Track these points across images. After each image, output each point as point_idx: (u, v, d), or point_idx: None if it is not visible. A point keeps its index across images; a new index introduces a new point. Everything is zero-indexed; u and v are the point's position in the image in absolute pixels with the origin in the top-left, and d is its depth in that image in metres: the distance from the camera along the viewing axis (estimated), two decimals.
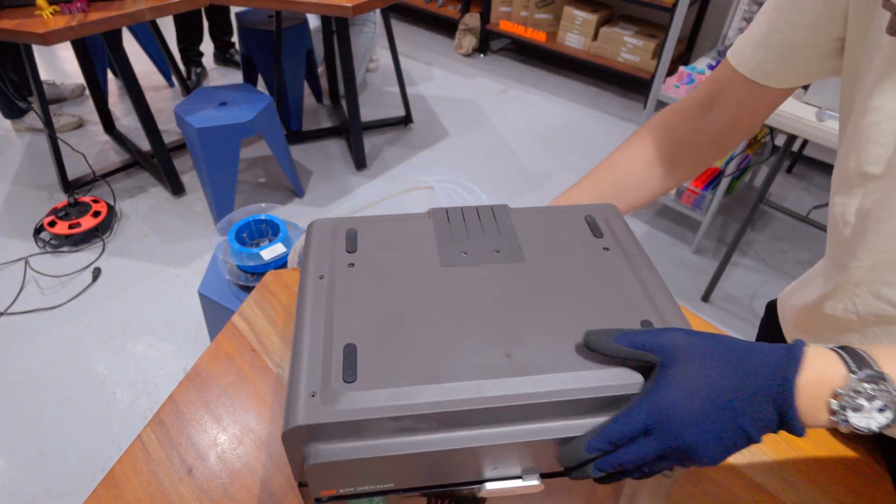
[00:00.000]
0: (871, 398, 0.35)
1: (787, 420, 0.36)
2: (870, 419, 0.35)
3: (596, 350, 0.40)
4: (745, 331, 1.86)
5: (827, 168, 2.64)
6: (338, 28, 2.16)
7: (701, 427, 0.36)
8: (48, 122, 2.14)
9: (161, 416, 0.66)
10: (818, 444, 0.65)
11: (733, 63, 0.59)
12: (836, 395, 0.35)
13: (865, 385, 0.35)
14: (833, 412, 0.36)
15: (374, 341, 0.42)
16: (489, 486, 0.42)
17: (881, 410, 0.35)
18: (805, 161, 2.72)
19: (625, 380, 0.40)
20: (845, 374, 0.36)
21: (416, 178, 2.51)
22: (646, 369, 0.40)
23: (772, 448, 0.64)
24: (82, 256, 2.06)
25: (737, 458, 0.64)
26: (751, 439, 0.37)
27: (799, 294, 0.67)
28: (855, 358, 0.36)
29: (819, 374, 0.36)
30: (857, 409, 0.35)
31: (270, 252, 1.28)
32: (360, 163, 2.55)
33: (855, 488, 0.61)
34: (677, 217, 2.38)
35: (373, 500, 0.42)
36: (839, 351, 0.37)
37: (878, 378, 0.35)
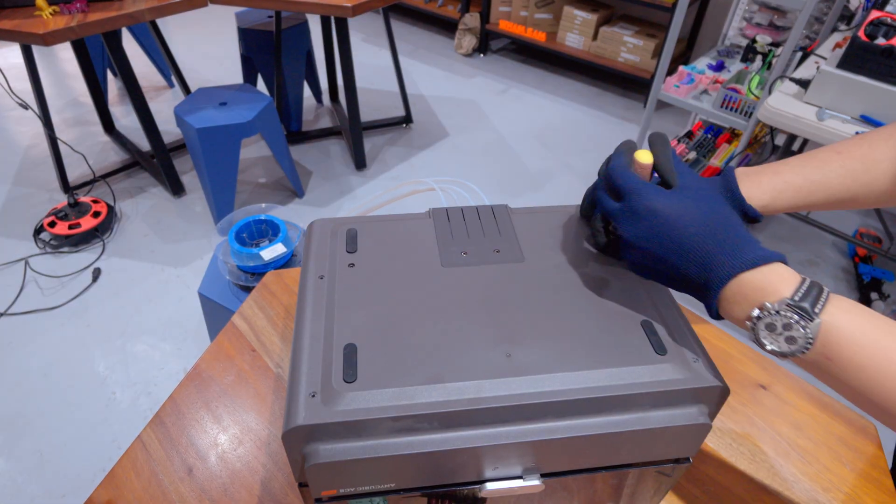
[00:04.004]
0: (787, 326, 0.37)
1: (706, 293, 0.40)
2: (774, 342, 0.37)
3: (653, 142, 0.47)
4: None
5: None
6: (338, 28, 2.16)
7: (646, 232, 0.42)
8: (48, 123, 2.14)
9: (161, 416, 0.66)
10: (818, 444, 0.65)
11: None
12: (762, 307, 0.38)
13: (790, 314, 0.36)
14: (749, 318, 0.38)
15: (374, 341, 0.42)
16: (489, 486, 0.42)
17: (789, 342, 0.37)
18: None
19: (625, 380, 0.40)
20: (783, 296, 0.37)
21: (416, 178, 2.51)
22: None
23: (772, 448, 0.65)
24: (82, 257, 2.06)
25: (737, 458, 0.64)
26: (670, 276, 0.42)
27: None
28: (809, 292, 0.37)
29: (762, 284, 0.38)
30: (771, 328, 0.37)
31: (270, 252, 1.28)
32: (360, 163, 2.55)
33: (855, 488, 0.61)
34: None
35: (373, 500, 0.42)
36: (804, 279, 0.38)
37: (806, 316, 0.36)
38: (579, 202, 0.55)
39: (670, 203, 0.42)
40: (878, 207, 0.63)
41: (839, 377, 0.37)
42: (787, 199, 0.52)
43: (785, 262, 0.39)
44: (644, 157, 0.46)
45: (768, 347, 0.38)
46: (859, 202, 0.54)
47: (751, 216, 0.50)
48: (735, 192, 0.50)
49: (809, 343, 0.36)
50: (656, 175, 0.47)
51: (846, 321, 0.36)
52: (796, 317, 0.36)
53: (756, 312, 0.38)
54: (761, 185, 0.51)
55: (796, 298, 0.37)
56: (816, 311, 0.36)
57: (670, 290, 0.48)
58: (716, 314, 0.41)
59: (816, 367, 0.38)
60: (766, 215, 0.53)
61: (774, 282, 0.38)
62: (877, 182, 0.53)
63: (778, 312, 0.37)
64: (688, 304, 2.04)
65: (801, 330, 0.36)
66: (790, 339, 0.37)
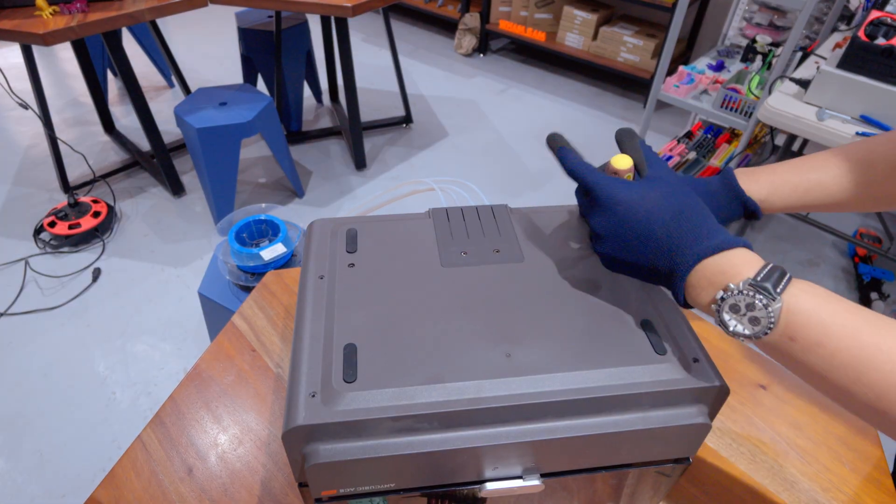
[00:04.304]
0: (749, 306, 0.37)
1: (672, 280, 0.41)
2: (737, 323, 0.38)
3: (620, 139, 0.48)
4: None
5: None
6: (338, 28, 2.16)
7: (613, 223, 0.43)
8: (48, 122, 2.14)
9: (161, 416, 0.66)
10: (818, 444, 0.65)
11: None
12: (725, 288, 0.38)
13: (752, 294, 0.37)
14: (714, 301, 0.39)
15: (374, 341, 0.42)
16: (489, 486, 0.42)
17: (752, 322, 0.37)
18: None
19: (624, 380, 0.40)
20: (746, 277, 0.38)
21: (416, 178, 2.51)
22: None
23: (772, 448, 0.65)
24: (82, 257, 2.06)
25: (737, 458, 0.64)
26: (638, 266, 0.43)
27: None
28: (771, 274, 0.37)
29: (725, 268, 0.39)
30: (734, 308, 0.37)
31: (270, 252, 1.28)
32: (360, 163, 2.55)
33: (855, 488, 0.61)
34: None
35: (373, 500, 0.42)
36: (767, 263, 0.39)
37: (769, 296, 0.36)
38: None
39: (635, 193, 0.43)
40: (876, 211, 0.63)
41: (802, 359, 0.37)
42: (785, 196, 0.52)
43: (750, 248, 0.40)
44: (621, 162, 0.46)
45: (731, 329, 0.38)
46: (855, 205, 0.54)
47: (750, 209, 0.51)
48: (735, 187, 0.51)
49: (772, 323, 0.36)
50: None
51: (809, 301, 0.36)
52: (759, 296, 0.37)
53: (720, 294, 0.38)
54: (759, 181, 0.52)
55: (758, 279, 0.37)
56: (778, 291, 0.36)
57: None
58: (683, 302, 0.41)
59: (779, 350, 0.38)
60: (765, 212, 0.53)
61: (738, 264, 0.39)
62: (872, 186, 0.53)
63: (741, 292, 0.37)
64: None
65: (764, 309, 0.36)
66: (753, 320, 0.37)
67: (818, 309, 0.36)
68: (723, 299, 0.38)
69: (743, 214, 0.52)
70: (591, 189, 0.44)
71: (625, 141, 0.48)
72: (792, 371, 0.39)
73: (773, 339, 0.37)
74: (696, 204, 0.42)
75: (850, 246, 2.17)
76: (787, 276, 0.38)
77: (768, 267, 0.38)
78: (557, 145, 0.49)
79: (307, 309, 0.45)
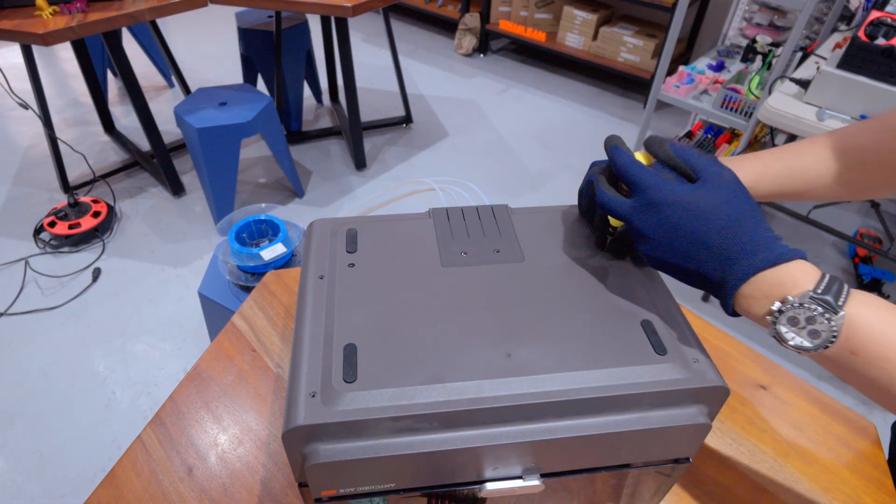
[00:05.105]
0: (810, 319, 0.36)
1: (723, 289, 0.40)
2: (796, 337, 0.37)
3: (651, 148, 0.45)
4: (745, 329, 1.86)
5: None
6: (338, 28, 2.16)
7: (665, 225, 0.41)
8: (48, 122, 2.14)
9: (161, 416, 0.66)
10: (819, 445, 0.65)
11: None
12: (783, 300, 0.37)
13: (814, 306, 0.36)
14: (770, 312, 0.38)
15: (374, 341, 0.42)
16: (489, 486, 0.42)
17: (812, 336, 0.36)
18: None
19: (625, 380, 0.40)
20: (805, 289, 0.37)
21: (416, 178, 2.51)
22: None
23: (772, 448, 0.65)
24: (82, 257, 2.06)
25: (737, 458, 0.64)
26: (686, 270, 0.41)
27: None
28: (831, 286, 0.37)
29: (783, 280, 0.38)
30: (794, 322, 0.37)
31: (270, 252, 1.28)
32: (360, 163, 2.55)
33: (855, 488, 0.61)
34: None
35: (373, 500, 0.42)
36: (824, 274, 0.38)
37: (830, 309, 0.36)
38: None
39: (692, 196, 0.40)
40: (853, 199, 0.64)
41: (864, 372, 0.36)
42: (768, 182, 0.53)
43: (806, 259, 0.39)
44: (641, 157, 0.45)
45: (791, 343, 0.37)
46: (833, 193, 0.55)
47: None
48: None
49: (834, 336, 0.36)
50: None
51: (869, 314, 0.36)
52: (820, 309, 0.36)
53: (777, 306, 0.37)
54: (744, 168, 0.52)
55: (819, 291, 0.36)
56: (840, 303, 0.36)
57: (669, 290, 0.48)
58: (731, 311, 0.40)
59: (838, 363, 0.37)
60: None
61: (797, 276, 0.38)
62: (848, 172, 0.54)
63: (801, 305, 0.36)
64: (688, 304, 2.03)
65: (826, 322, 0.36)
66: (814, 333, 0.36)
67: (880, 322, 0.35)
68: (780, 311, 0.37)
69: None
70: (645, 188, 0.42)
71: (654, 145, 0.45)
72: (851, 384, 0.38)
73: (833, 353, 0.37)
74: (755, 211, 0.40)
75: (851, 246, 2.17)
76: (847, 287, 0.37)
77: (827, 278, 0.37)
78: (611, 144, 0.47)
79: (307, 309, 0.45)
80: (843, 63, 1.50)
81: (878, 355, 0.35)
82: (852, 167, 0.53)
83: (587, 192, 0.51)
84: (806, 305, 0.36)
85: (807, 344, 0.37)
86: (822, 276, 0.37)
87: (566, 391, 0.39)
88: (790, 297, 0.37)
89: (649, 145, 0.45)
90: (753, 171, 0.52)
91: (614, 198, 0.45)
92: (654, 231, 0.41)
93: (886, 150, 0.53)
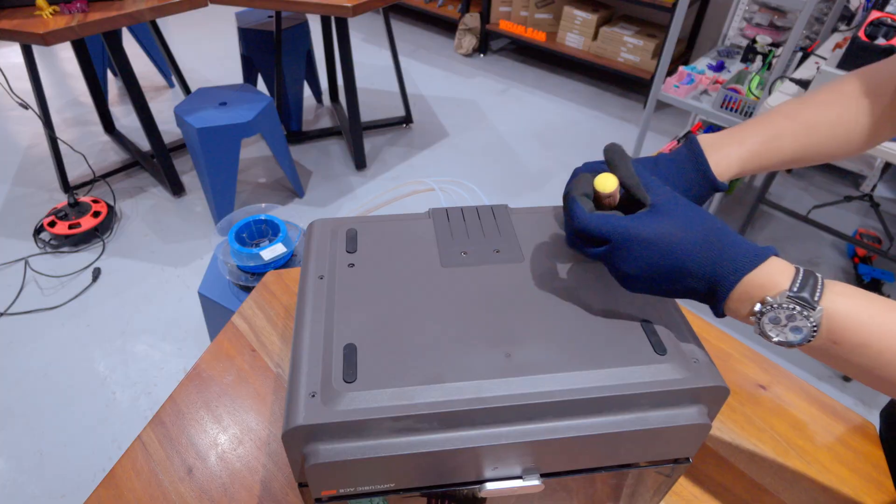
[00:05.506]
0: (790, 317, 0.38)
1: (713, 301, 0.41)
2: (780, 334, 0.39)
3: (611, 161, 0.44)
4: (745, 329, 1.85)
5: (826, 168, 2.64)
6: (338, 28, 2.16)
7: (641, 264, 0.41)
8: (48, 122, 2.14)
9: (161, 416, 0.66)
10: (818, 445, 0.65)
11: None
12: (763, 301, 0.39)
13: (791, 305, 0.38)
14: (753, 313, 0.39)
15: (374, 341, 0.42)
16: (489, 486, 0.42)
17: (794, 331, 0.38)
18: None
19: (625, 380, 0.40)
20: (782, 289, 0.38)
21: (416, 178, 2.51)
22: (631, 206, 0.44)
23: (772, 448, 0.65)
24: (82, 257, 2.06)
25: (737, 458, 0.64)
26: (673, 291, 0.42)
27: None
28: (805, 282, 0.38)
29: (762, 281, 0.39)
30: (775, 321, 0.38)
31: (270, 252, 1.28)
32: (360, 163, 2.55)
33: (855, 488, 0.61)
34: None
35: (373, 500, 0.42)
36: (798, 269, 0.39)
37: (807, 305, 0.37)
38: None
39: (657, 228, 0.40)
40: (811, 165, 0.67)
41: (847, 358, 0.38)
42: (751, 166, 0.54)
43: (777, 254, 0.40)
44: (606, 184, 0.43)
45: (775, 339, 0.39)
46: (807, 161, 0.57)
47: (718, 189, 0.52)
48: (702, 164, 0.51)
49: (815, 331, 0.37)
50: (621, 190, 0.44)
51: (846, 304, 0.37)
52: (798, 307, 0.37)
53: (758, 307, 0.39)
54: (730, 157, 0.53)
55: (795, 290, 0.38)
56: (816, 299, 0.37)
57: None
58: (721, 313, 0.42)
59: (823, 352, 0.39)
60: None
61: (773, 275, 0.39)
62: (820, 144, 0.55)
63: (780, 305, 0.38)
64: (688, 304, 2.04)
65: (805, 319, 0.37)
66: (795, 329, 0.38)
67: (858, 311, 0.37)
68: (762, 312, 0.38)
69: (708, 190, 0.52)
70: (610, 238, 0.41)
71: (616, 162, 0.44)
72: (840, 370, 0.39)
73: (817, 344, 0.38)
74: (715, 223, 0.41)
75: (850, 246, 2.17)
76: (821, 280, 0.38)
77: (801, 274, 0.39)
78: (575, 193, 0.44)
79: (307, 309, 0.45)
80: (844, 63, 1.50)
81: (858, 342, 0.37)
82: (822, 141, 0.55)
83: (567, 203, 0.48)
84: (784, 305, 0.38)
85: (791, 339, 0.38)
86: (797, 273, 0.39)
87: (566, 391, 0.39)
88: (769, 298, 0.38)
89: (612, 162, 0.44)
90: (738, 157, 0.52)
91: (592, 248, 0.43)
92: (634, 271, 0.42)
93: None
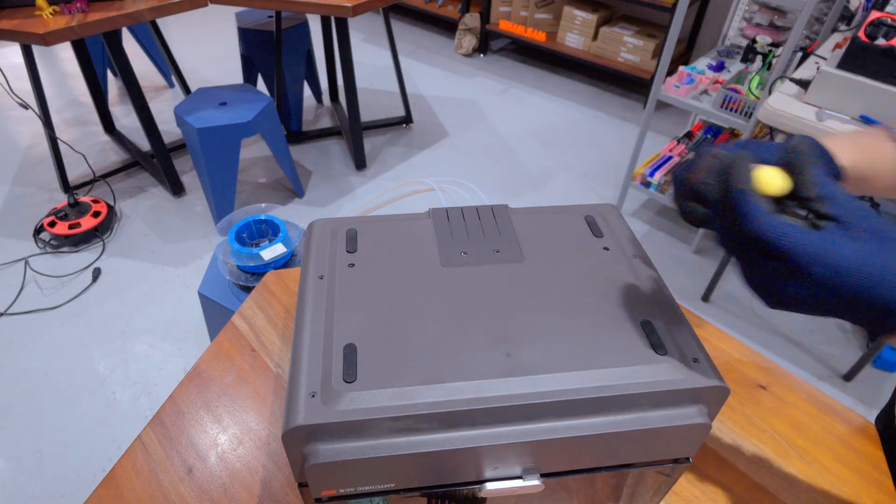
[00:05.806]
0: None
1: (887, 330, 0.34)
2: None
3: (794, 163, 0.36)
4: (745, 330, 1.86)
5: None
6: (338, 28, 2.16)
7: (832, 288, 0.33)
8: (48, 122, 2.14)
9: (161, 416, 0.66)
10: (818, 445, 0.65)
11: None
12: None
13: None
14: None
15: (374, 341, 0.42)
16: (489, 486, 0.42)
17: None
18: None
19: (625, 379, 0.40)
20: None
21: (416, 178, 2.51)
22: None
23: (771, 448, 0.64)
24: (82, 257, 2.06)
25: (737, 458, 0.64)
26: (835, 315, 0.35)
27: None
28: None
29: None
30: None
31: (270, 252, 1.28)
32: (360, 163, 2.55)
33: (856, 488, 0.61)
34: (677, 217, 2.38)
35: (373, 500, 0.42)
36: None
37: None
38: (579, 202, 0.55)
39: (857, 254, 0.33)
40: None
41: None
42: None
43: None
44: (772, 182, 0.35)
45: None
46: None
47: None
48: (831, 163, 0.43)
49: None
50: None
51: None
52: None
53: None
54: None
55: None
56: None
57: (670, 289, 0.48)
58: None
59: None
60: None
61: None
62: None
63: None
64: (688, 303, 2.03)
65: None
66: None
67: None
68: None
69: None
70: (794, 257, 0.34)
71: (801, 167, 0.36)
72: None
73: None
74: None
75: None
76: None
77: None
78: (742, 188, 0.36)
79: (307, 309, 0.45)
80: (844, 63, 1.50)
81: None
82: None
83: (683, 182, 0.40)
84: None
85: None
86: None
87: (566, 391, 0.39)
88: None
89: (794, 165, 0.36)
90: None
91: (746, 252, 0.36)
92: (806, 298, 0.35)
93: None
